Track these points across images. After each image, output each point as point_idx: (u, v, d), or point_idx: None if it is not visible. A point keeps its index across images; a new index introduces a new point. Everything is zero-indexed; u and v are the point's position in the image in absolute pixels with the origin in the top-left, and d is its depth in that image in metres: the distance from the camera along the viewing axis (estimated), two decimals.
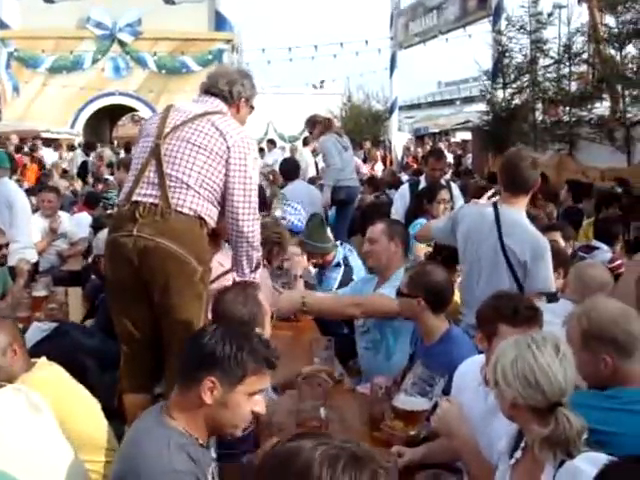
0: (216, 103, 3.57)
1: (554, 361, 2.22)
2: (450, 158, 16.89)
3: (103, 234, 4.27)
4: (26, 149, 17.33)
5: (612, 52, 12.49)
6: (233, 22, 25.34)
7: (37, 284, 5.18)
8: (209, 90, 3.62)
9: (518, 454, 2.41)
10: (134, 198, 3.31)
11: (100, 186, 11.01)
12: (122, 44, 24.56)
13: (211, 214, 3.40)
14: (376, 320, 4.39)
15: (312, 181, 10.56)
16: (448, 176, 12.69)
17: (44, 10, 22.87)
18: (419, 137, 23.79)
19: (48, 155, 17.77)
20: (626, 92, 12.01)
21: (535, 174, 4.18)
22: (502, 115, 14.63)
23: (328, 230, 6.09)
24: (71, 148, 19.36)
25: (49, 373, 3.02)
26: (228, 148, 3.36)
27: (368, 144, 19.39)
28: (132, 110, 26.46)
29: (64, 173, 14.73)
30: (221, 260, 3.99)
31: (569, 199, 8.47)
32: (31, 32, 23.05)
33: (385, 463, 1.64)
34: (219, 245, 4.09)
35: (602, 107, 13.07)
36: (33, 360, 3.09)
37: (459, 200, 6.90)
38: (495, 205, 4.23)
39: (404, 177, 12.97)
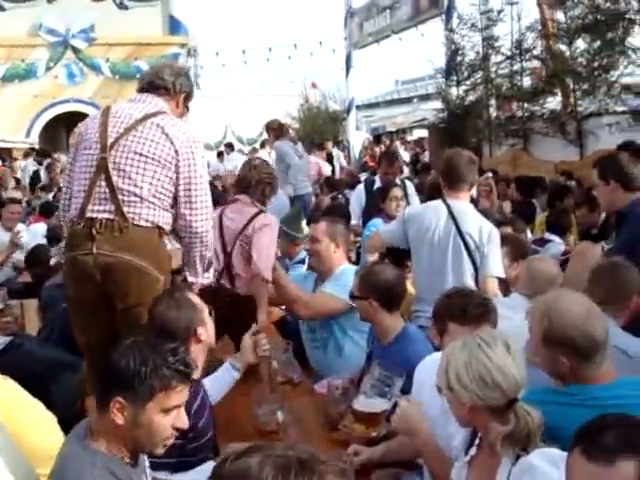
0: (154, 102, 3.51)
1: (507, 358, 2.23)
2: (407, 156, 17.05)
3: None
4: None
5: (562, 47, 12.71)
6: (188, 26, 25.15)
7: None
8: (153, 82, 3.57)
9: (473, 451, 2.43)
10: (88, 215, 3.29)
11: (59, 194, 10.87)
12: (76, 50, 24.18)
13: (167, 220, 3.40)
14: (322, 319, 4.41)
15: None
16: (406, 174, 12.81)
17: None
18: (377, 136, 23.92)
19: None
20: (576, 86, 12.23)
21: (473, 171, 4.38)
22: (457, 112, 14.80)
23: (304, 223, 6.10)
24: (27, 157, 19.06)
25: (2, 388, 2.98)
26: (176, 152, 3.35)
27: (330, 145, 19.42)
28: (88, 117, 26.03)
29: (17, 183, 14.48)
30: None
31: (517, 194, 8.56)
32: None
33: (339, 463, 1.66)
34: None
35: (554, 102, 13.28)
36: None
37: (414, 198, 6.97)
38: (444, 200, 4.36)
39: (363, 177, 13.02)
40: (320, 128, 23.65)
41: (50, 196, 11.14)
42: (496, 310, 3.07)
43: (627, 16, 11.01)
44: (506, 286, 4.33)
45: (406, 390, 3.09)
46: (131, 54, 24.30)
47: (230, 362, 3.38)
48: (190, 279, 3.54)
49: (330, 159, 17.51)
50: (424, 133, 20.64)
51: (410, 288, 4.55)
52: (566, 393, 2.50)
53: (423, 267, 4.42)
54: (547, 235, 6.45)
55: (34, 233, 8.01)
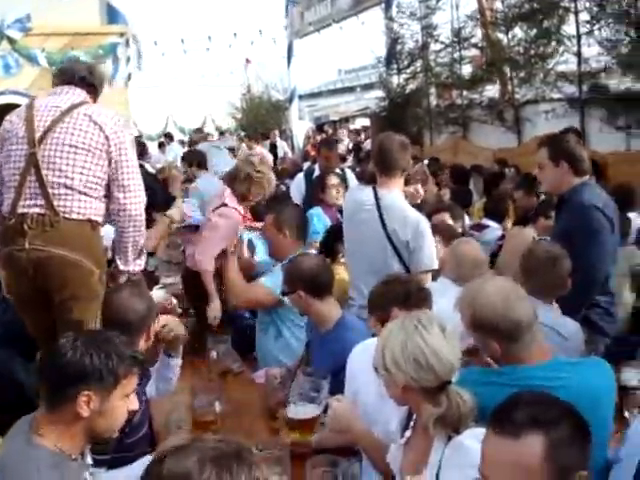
0: (77, 92, 3.52)
1: (442, 340, 2.27)
2: (351, 145, 17.10)
3: None
4: None
5: (500, 36, 12.89)
6: (126, 15, 24.64)
7: None
8: (71, 78, 3.57)
9: (408, 433, 2.47)
10: (19, 210, 3.27)
11: None
12: (11, 41, 23.39)
13: (101, 212, 3.39)
14: None
15: None
16: (349, 163, 12.84)
17: None
18: (320, 125, 23.93)
19: None
20: (514, 74, 12.43)
21: (405, 156, 4.29)
22: (398, 101, 14.90)
23: None
24: None
25: None
26: (106, 137, 3.35)
27: (276, 134, 19.38)
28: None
29: None
30: None
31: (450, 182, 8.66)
32: None
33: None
34: None
35: (493, 89, 13.47)
36: None
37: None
38: (374, 189, 4.29)
39: (306, 166, 12.99)
40: (263, 118, 23.54)
41: None
42: (432, 295, 3.12)
43: (562, 4, 11.19)
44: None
45: (340, 385, 3.11)
46: (68, 44, 23.68)
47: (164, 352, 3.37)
48: (121, 267, 3.51)
49: (274, 149, 17.48)
50: (367, 122, 20.74)
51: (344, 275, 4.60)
52: (499, 373, 2.56)
53: (353, 256, 4.44)
54: (484, 221, 6.56)
55: None
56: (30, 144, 3.31)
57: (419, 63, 14.89)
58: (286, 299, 3.91)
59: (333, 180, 6.16)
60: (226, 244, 4.62)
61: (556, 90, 11.41)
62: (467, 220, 6.56)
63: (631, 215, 6.17)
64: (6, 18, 23.14)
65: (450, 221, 5.47)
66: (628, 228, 5.63)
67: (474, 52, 13.88)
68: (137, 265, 3.55)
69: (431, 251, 4.17)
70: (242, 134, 21.34)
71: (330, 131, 21.49)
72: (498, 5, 12.82)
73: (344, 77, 37.65)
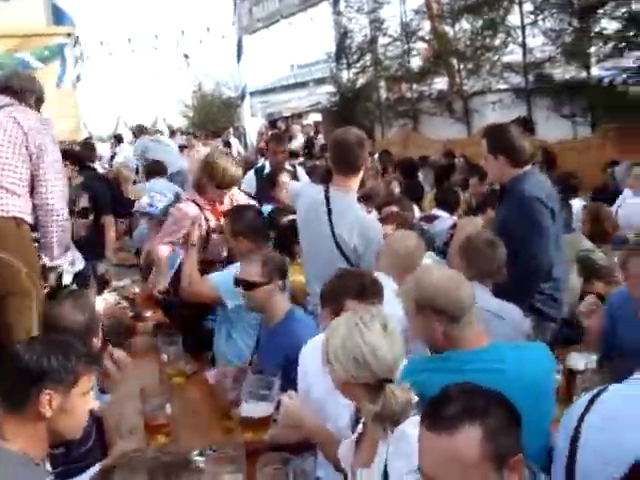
0: (6, 100, 3.61)
1: (382, 339, 2.28)
2: (302, 140, 17.08)
3: None
4: None
5: (447, 28, 13.01)
6: (72, 15, 24.23)
7: None
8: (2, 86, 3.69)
9: (360, 428, 2.49)
10: None
11: None
12: None
13: (26, 210, 3.44)
14: None
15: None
16: (301, 159, 12.84)
17: None
18: (272, 121, 23.85)
19: None
20: (461, 66, 12.57)
21: (363, 153, 4.14)
22: (348, 95, 14.96)
23: None
24: None
25: None
26: (25, 133, 3.43)
27: (229, 131, 19.28)
28: None
29: None
30: None
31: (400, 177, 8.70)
32: None
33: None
34: None
35: (442, 82, 13.61)
36: None
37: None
38: (326, 189, 4.19)
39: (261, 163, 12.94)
40: (215, 116, 23.40)
41: None
42: (384, 289, 3.14)
43: None
44: None
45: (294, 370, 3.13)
46: (15, 46, 23.27)
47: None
48: (47, 263, 3.54)
49: (228, 147, 17.37)
50: (320, 117, 20.73)
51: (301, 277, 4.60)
52: (442, 359, 2.60)
53: (306, 254, 4.41)
54: (435, 211, 6.61)
55: None
56: None
57: (368, 57, 14.96)
58: (230, 302, 4.03)
59: (284, 177, 6.14)
60: (174, 236, 4.71)
61: (503, 81, 11.59)
62: (417, 212, 6.61)
63: (574, 202, 6.30)
64: None
65: (400, 213, 5.50)
66: (570, 215, 5.73)
67: (422, 45, 14.00)
68: (63, 260, 3.58)
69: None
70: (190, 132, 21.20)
71: (283, 127, 21.44)
72: None
73: (297, 72, 37.54)
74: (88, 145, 8.89)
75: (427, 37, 13.72)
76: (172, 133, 19.19)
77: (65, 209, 3.54)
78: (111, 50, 20.76)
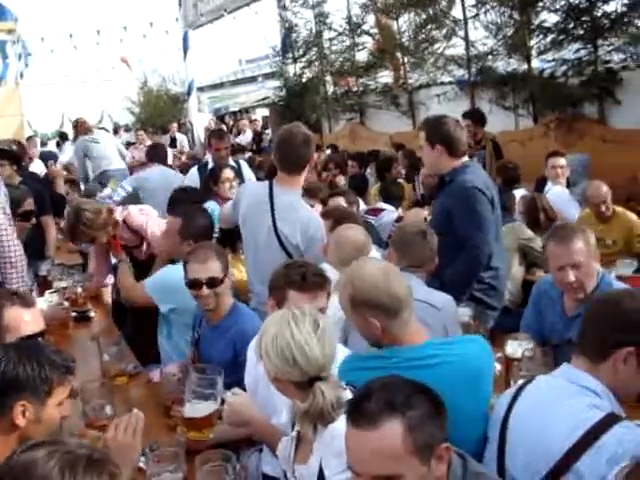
0: None
1: (311, 337, 2.29)
2: (250, 136, 17.02)
3: None
4: None
5: (390, 22, 13.06)
6: (14, 11, 23.66)
7: None
8: None
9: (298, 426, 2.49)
10: None
11: None
12: None
13: None
14: None
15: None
16: (249, 154, 12.79)
17: None
18: (220, 117, 23.69)
19: None
20: (405, 59, 12.65)
21: (308, 152, 4.18)
22: (295, 89, 14.94)
23: None
24: None
25: None
26: None
27: (174, 127, 19.07)
28: None
29: None
30: None
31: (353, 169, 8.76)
32: None
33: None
34: None
35: (388, 75, 13.67)
36: None
37: (250, 177, 6.97)
38: (270, 186, 4.23)
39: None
40: (161, 112, 23.13)
41: None
42: (331, 281, 3.14)
43: None
44: None
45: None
46: None
47: None
48: None
49: (174, 143, 17.21)
50: (267, 112, 20.66)
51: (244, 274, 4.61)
52: (380, 357, 2.60)
53: (248, 253, 4.44)
54: (380, 204, 6.65)
55: None
56: None
57: (314, 51, 14.94)
58: (162, 307, 4.16)
59: (227, 173, 6.08)
60: None
61: (447, 74, 11.69)
62: (363, 205, 6.64)
63: (517, 192, 6.42)
64: None
65: (345, 206, 5.53)
66: (512, 204, 5.84)
67: (367, 39, 14.03)
68: None
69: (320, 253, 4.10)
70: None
71: (231, 122, 21.32)
72: None
73: (245, 67, 37.34)
74: (21, 144, 8.74)
75: (372, 31, 13.74)
76: (115, 131, 18.87)
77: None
78: (53, 47, 20.33)
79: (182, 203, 6.06)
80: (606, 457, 2.00)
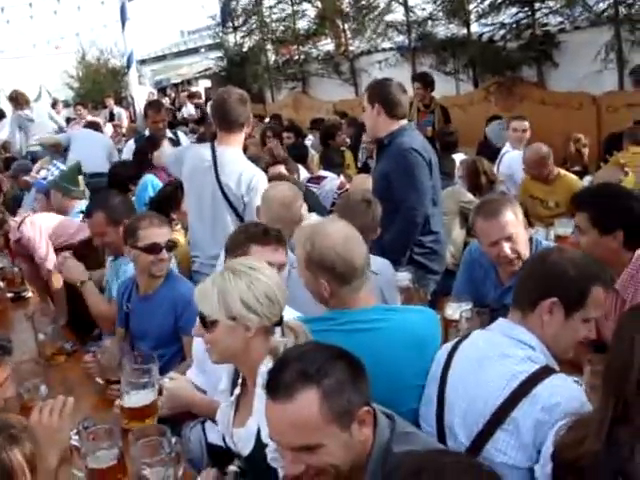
0: None
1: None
2: (192, 109, 16.75)
3: None
4: None
5: None
6: None
7: None
8: None
9: (237, 390, 2.49)
10: None
11: None
12: None
13: None
14: None
15: None
16: (192, 125, 12.61)
17: None
18: (162, 89, 23.28)
19: None
20: (346, 26, 12.57)
21: (244, 110, 4.24)
22: (236, 59, 14.74)
23: (81, 178, 5.89)
24: None
25: None
26: None
27: (111, 101, 18.62)
28: None
29: None
30: None
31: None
32: None
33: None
34: None
35: (330, 43, 13.58)
36: None
37: None
38: (212, 146, 4.29)
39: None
40: (101, 86, 22.61)
41: None
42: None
43: None
44: None
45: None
46: None
47: None
48: None
49: (113, 117, 16.82)
50: (209, 83, 20.39)
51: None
52: (325, 319, 2.59)
53: (193, 214, 4.45)
54: (322, 172, 6.62)
55: None
56: None
57: (254, 20, 14.74)
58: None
59: (164, 143, 6.02)
60: None
61: (387, 40, 11.66)
62: (305, 173, 6.60)
63: (457, 156, 6.45)
64: None
65: (285, 173, 5.50)
66: (452, 169, 5.87)
67: (308, 6, 13.89)
68: None
69: None
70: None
71: (173, 94, 20.96)
72: None
73: (187, 39, 36.71)
74: None
75: None
76: (53, 105, 18.36)
77: None
78: None
79: (121, 176, 6.02)
80: (540, 405, 2.05)
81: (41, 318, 3.79)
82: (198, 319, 2.37)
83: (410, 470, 1.42)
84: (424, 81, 8.33)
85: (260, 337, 2.31)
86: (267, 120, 10.74)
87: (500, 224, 3.24)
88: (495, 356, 2.24)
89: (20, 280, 5.06)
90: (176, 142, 6.53)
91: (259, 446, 2.27)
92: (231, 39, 15.18)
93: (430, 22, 10.75)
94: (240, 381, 2.50)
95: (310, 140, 8.91)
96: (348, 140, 8.20)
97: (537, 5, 9.08)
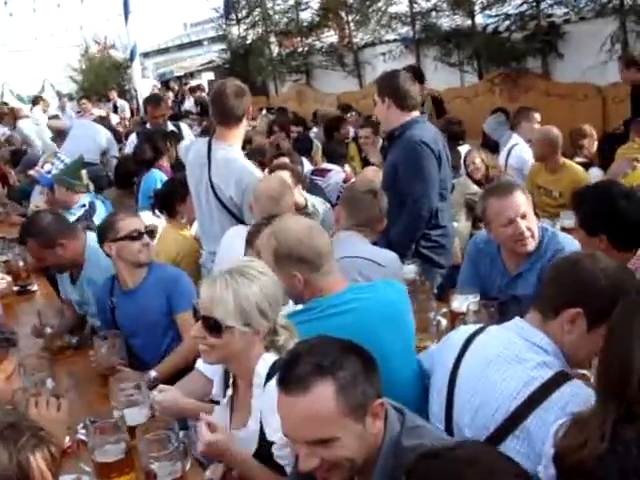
0: None
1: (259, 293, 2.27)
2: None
3: None
4: None
5: None
6: None
7: None
8: None
9: (230, 391, 2.49)
10: None
11: None
12: None
13: None
14: None
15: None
16: (192, 117, 12.58)
17: None
18: (165, 82, 23.20)
19: None
20: (350, 18, 12.52)
21: (242, 102, 4.15)
22: (239, 52, 14.71)
23: (84, 172, 5.85)
24: None
25: None
26: None
27: (114, 94, 18.61)
28: None
29: None
30: None
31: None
32: None
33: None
34: None
35: (333, 35, 13.52)
36: None
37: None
38: (209, 142, 4.25)
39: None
40: (104, 78, 22.59)
41: None
42: None
43: None
44: None
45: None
46: None
47: None
48: None
49: (117, 110, 16.83)
50: (213, 76, 20.34)
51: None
52: (307, 310, 2.61)
53: (196, 209, 4.44)
54: (326, 165, 6.60)
55: None
56: None
57: (257, 12, 14.70)
58: None
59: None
60: None
61: (391, 32, 11.62)
62: (309, 165, 6.58)
63: (463, 147, 6.42)
64: None
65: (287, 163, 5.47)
66: (458, 161, 5.84)
67: None
68: None
69: None
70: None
71: (176, 87, 20.90)
72: None
73: (191, 31, 36.63)
74: None
75: None
76: (62, 108, 18.29)
77: None
78: None
79: (129, 173, 6.05)
80: (554, 415, 1.98)
81: (49, 311, 3.80)
82: (200, 322, 2.33)
83: (465, 460, 1.41)
84: (413, 74, 8.26)
85: (261, 338, 2.32)
86: (263, 111, 10.71)
87: (516, 201, 3.25)
88: (510, 359, 2.18)
89: (26, 273, 5.07)
90: (179, 135, 6.51)
91: (263, 445, 2.26)
92: (234, 31, 15.13)
93: (434, 13, 10.70)
94: (231, 381, 2.50)
95: (314, 132, 8.89)
96: (351, 132, 8.18)
97: None
